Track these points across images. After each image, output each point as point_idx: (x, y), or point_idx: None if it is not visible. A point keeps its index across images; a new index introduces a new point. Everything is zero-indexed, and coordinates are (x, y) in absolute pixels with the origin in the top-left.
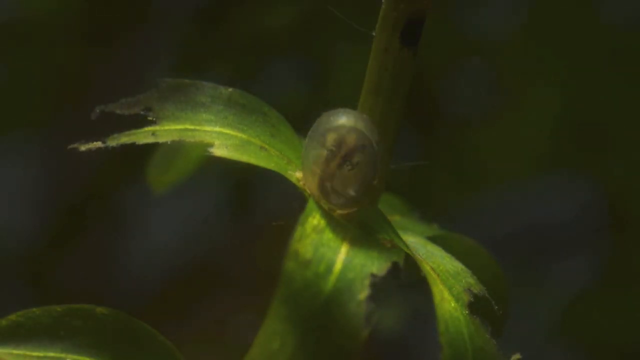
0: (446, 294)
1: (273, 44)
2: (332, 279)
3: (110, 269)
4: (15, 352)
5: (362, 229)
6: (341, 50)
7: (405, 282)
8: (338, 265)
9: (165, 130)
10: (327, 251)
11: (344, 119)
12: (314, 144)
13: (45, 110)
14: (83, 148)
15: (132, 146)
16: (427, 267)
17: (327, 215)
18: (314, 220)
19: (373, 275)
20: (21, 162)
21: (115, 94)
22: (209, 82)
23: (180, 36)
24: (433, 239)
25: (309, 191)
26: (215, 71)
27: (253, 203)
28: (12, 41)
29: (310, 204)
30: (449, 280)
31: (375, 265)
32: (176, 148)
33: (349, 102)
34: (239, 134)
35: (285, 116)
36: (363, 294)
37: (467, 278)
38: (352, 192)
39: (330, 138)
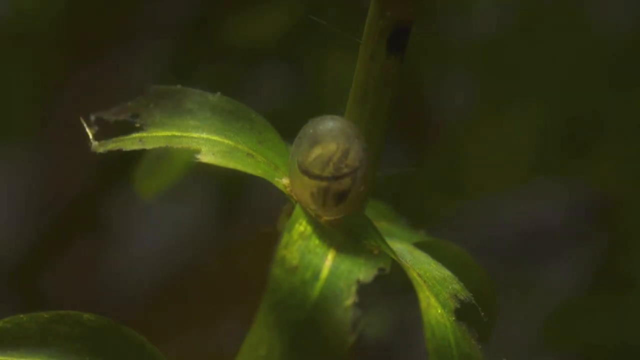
0: (433, 301)
1: (261, 52)
2: (319, 285)
3: (97, 276)
4: (1, 358)
5: (348, 236)
6: (329, 58)
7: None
8: (324, 272)
9: (152, 137)
10: (314, 258)
11: (330, 126)
12: (301, 151)
13: (31, 118)
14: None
15: (120, 153)
16: (413, 274)
17: (314, 221)
18: (301, 226)
19: (359, 282)
20: (6, 170)
21: (103, 101)
22: (197, 89)
23: (169, 44)
24: (420, 246)
25: (295, 197)
26: (203, 79)
27: (240, 209)
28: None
29: (297, 211)
30: (435, 287)
31: (361, 271)
32: (163, 154)
33: (336, 109)
34: (226, 141)
35: (272, 123)
36: (350, 300)
37: (454, 284)
38: (338, 199)
39: (317, 145)
